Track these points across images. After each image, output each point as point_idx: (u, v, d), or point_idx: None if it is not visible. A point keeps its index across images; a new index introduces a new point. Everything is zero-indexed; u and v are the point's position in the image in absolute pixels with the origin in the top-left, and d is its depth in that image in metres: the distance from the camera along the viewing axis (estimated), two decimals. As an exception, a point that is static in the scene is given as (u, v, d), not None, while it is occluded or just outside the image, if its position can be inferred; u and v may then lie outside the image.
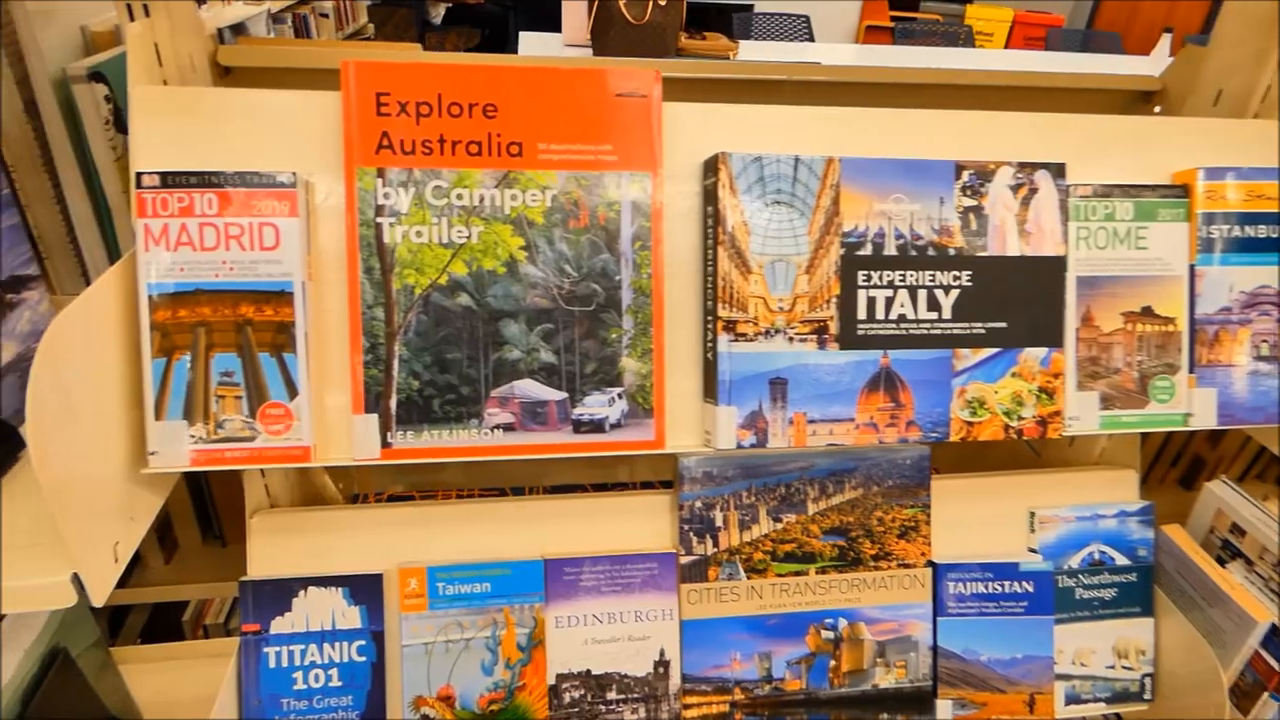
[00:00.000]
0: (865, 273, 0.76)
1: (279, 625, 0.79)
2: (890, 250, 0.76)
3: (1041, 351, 0.80)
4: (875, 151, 0.77)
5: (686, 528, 0.82)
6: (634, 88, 0.73)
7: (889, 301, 0.77)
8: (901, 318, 0.77)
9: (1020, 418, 0.80)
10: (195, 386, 0.70)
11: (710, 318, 0.76)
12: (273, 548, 0.80)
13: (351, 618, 0.80)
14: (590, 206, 0.74)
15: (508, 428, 0.74)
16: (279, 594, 0.79)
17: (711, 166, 0.75)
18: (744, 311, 0.75)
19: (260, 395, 0.70)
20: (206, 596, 1.34)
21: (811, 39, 4.06)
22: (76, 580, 0.58)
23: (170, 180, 0.68)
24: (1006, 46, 5.10)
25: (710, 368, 0.77)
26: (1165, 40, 3.38)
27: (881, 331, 0.77)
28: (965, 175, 0.78)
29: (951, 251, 0.78)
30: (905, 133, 0.80)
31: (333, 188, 0.73)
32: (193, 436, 0.70)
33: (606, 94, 0.73)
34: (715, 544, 0.83)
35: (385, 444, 0.72)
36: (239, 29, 0.99)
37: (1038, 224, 0.80)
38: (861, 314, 0.76)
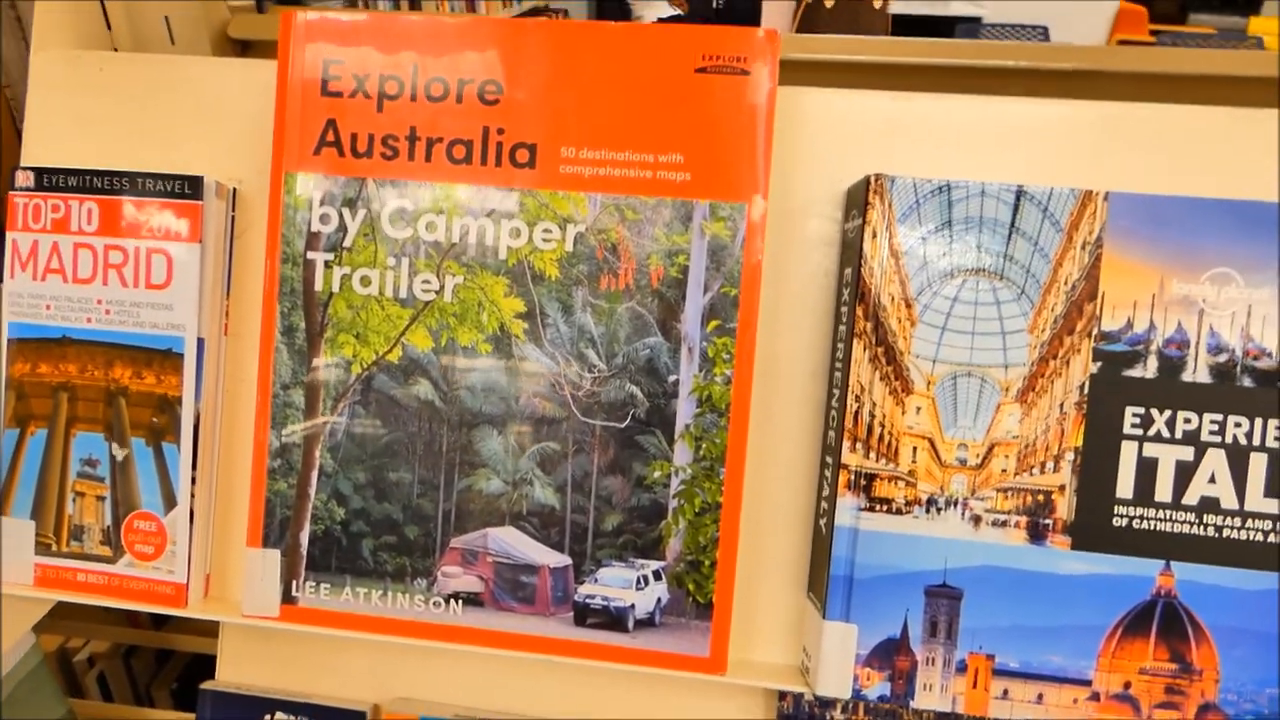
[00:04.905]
0: (1140, 411, 0.42)
1: (237, 753, 0.63)
2: (1197, 374, 0.41)
3: None
4: (1172, 185, 0.42)
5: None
6: (729, 56, 0.43)
7: (1185, 470, 0.41)
8: (1208, 504, 0.41)
9: None
10: (50, 474, 0.48)
11: (830, 461, 0.44)
12: (248, 651, 0.64)
13: (322, 762, 0.62)
14: (638, 255, 0.44)
15: (472, 600, 0.46)
16: (242, 713, 0.63)
17: (858, 199, 0.43)
18: (892, 460, 0.42)
19: (128, 499, 0.48)
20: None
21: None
22: None
23: (46, 180, 0.48)
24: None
25: (822, 548, 0.45)
26: None
27: (1163, 526, 0.42)
28: (1380, 240, 0.40)
29: (1334, 388, 0.40)
30: (1235, 149, 0.43)
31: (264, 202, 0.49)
32: (41, 544, 0.49)
33: (681, 67, 0.43)
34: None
35: (288, 597, 0.47)
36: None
37: None
38: (1125, 489, 0.42)
